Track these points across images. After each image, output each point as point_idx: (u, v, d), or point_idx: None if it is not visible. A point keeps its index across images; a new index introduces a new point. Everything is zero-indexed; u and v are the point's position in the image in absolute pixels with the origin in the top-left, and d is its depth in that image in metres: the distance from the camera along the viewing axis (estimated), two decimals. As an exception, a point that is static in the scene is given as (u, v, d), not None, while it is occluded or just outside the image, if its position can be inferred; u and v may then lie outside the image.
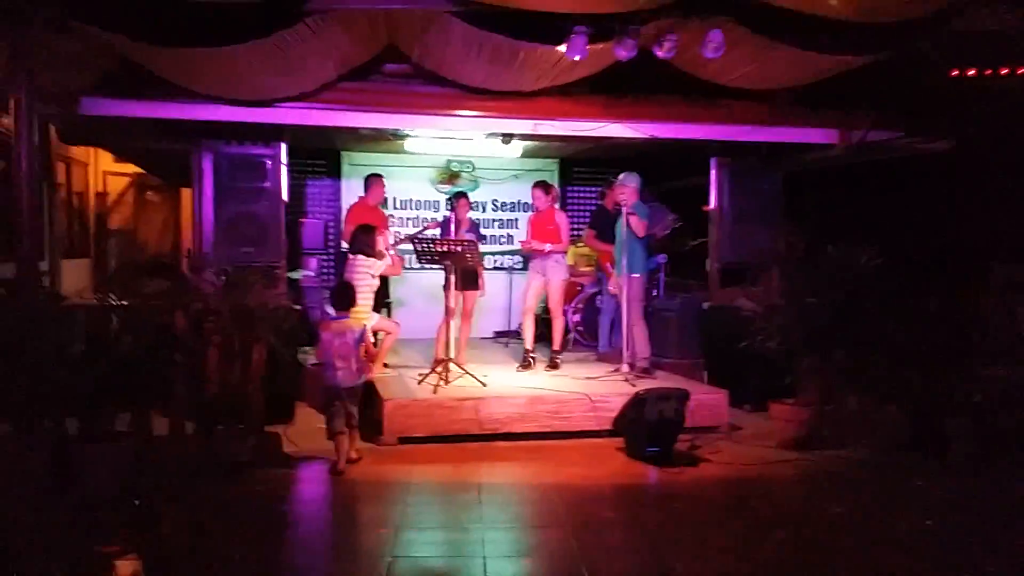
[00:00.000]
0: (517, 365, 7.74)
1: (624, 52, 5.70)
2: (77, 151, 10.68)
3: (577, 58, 5.79)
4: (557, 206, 7.95)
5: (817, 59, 6.16)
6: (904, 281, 6.40)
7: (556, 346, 7.88)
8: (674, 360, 8.10)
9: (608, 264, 8.48)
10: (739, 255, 8.17)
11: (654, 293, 9.24)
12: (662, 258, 9.22)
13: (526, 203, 10.48)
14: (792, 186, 8.44)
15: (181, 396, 5.53)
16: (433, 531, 4.61)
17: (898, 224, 7.38)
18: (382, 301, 8.55)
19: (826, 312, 6.37)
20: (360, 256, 6.94)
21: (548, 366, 7.74)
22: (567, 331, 9.41)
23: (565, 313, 9.38)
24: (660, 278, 9.37)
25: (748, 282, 8.07)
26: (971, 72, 6.14)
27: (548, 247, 7.66)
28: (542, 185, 7.87)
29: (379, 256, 7.01)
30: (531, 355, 7.74)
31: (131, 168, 12.30)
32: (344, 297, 6.02)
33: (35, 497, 4.71)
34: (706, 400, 6.76)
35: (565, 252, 7.90)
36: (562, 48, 5.75)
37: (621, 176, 7.44)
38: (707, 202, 8.55)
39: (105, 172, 12.21)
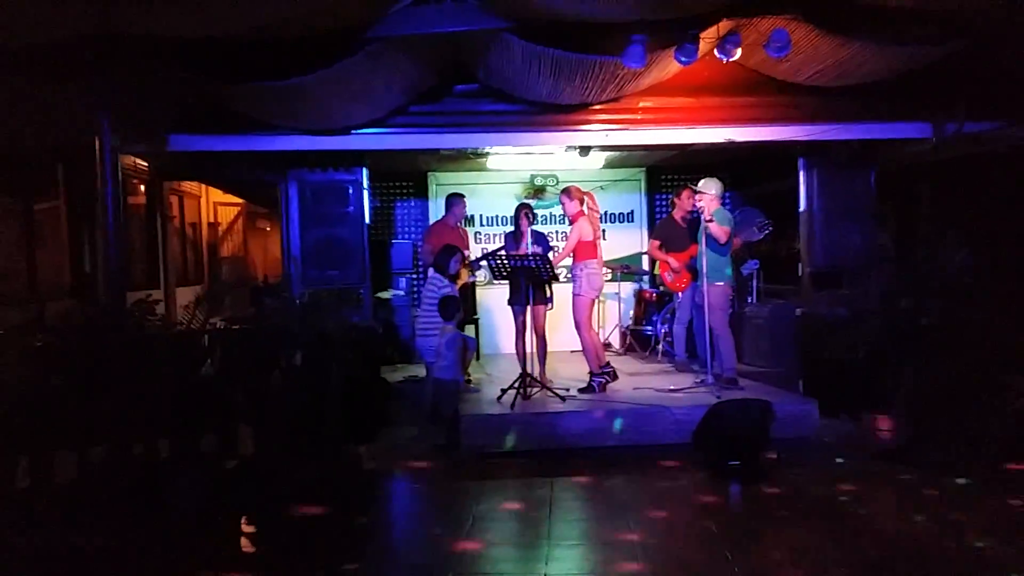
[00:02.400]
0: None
1: (684, 58, 5.60)
2: (190, 185, 11.37)
3: (636, 67, 5.71)
4: (585, 209, 7.34)
5: (894, 52, 5.87)
6: (1008, 282, 5.98)
7: (592, 366, 7.21)
8: (766, 369, 7.85)
9: (665, 274, 8.31)
10: (832, 258, 7.83)
11: (748, 300, 8.99)
12: (754, 264, 8.97)
13: (613, 214, 10.43)
14: (889, 184, 8.04)
15: (264, 417, 5.73)
16: (498, 548, 4.60)
17: (1000, 221, 6.90)
18: (470, 316, 8.67)
19: (922, 316, 6.03)
20: (436, 274, 7.09)
21: (581, 389, 7.15)
22: (656, 341, 9.29)
23: (654, 323, 9.31)
24: (753, 284, 9.11)
25: (842, 286, 7.73)
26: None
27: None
28: (565, 191, 7.30)
29: (452, 277, 7.14)
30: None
31: (240, 199, 12.97)
32: (445, 308, 6.87)
33: (128, 517, 5.02)
34: (795, 410, 6.51)
35: (585, 262, 7.13)
36: (620, 59, 5.69)
37: (700, 183, 7.26)
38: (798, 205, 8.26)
39: (216, 203, 12.93)
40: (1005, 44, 5.90)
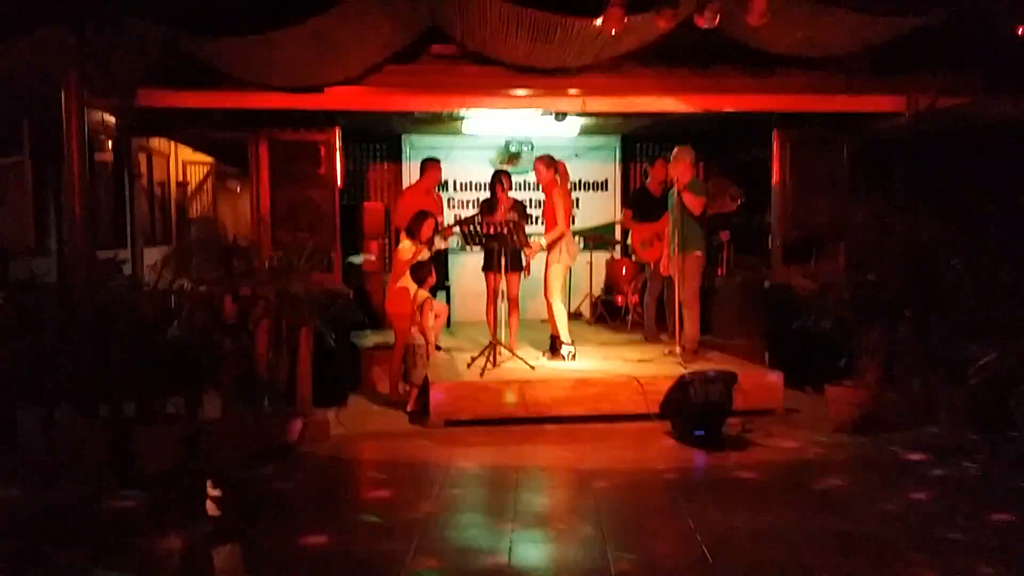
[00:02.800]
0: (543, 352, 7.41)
1: (664, 22, 5.55)
2: (158, 143, 11.14)
3: (614, 31, 5.65)
4: (558, 179, 7.17)
5: (871, 22, 5.86)
6: (974, 253, 6.05)
7: (554, 330, 7.28)
8: (733, 341, 7.92)
9: (638, 244, 8.32)
10: (802, 231, 7.87)
11: (718, 271, 9.03)
12: (725, 235, 9.00)
13: (587, 182, 10.40)
14: (860, 159, 8.07)
15: (231, 380, 5.69)
16: (466, 515, 4.62)
17: (970, 195, 6.95)
18: (440, 283, 8.62)
19: (888, 288, 6.09)
20: (409, 239, 7.04)
21: (548, 351, 7.30)
22: (626, 312, 9.33)
23: (625, 294, 9.34)
24: (723, 256, 9.15)
25: (812, 259, 7.78)
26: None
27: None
28: (542, 158, 7.22)
29: (425, 243, 7.10)
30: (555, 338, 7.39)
31: (209, 158, 12.75)
32: (416, 273, 6.89)
33: (97, 477, 4.98)
34: (760, 382, 6.58)
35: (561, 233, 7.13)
36: (598, 21, 5.62)
37: (674, 151, 7.24)
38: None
39: (185, 162, 12.70)
40: (982, 18, 5.91)
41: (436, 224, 7.40)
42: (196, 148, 11.71)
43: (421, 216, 7.21)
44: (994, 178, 7.17)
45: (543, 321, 9.49)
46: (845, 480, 5.15)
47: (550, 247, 7.14)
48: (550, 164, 7.21)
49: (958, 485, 4.99)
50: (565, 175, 7.30)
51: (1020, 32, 5.77)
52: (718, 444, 5.73)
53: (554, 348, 7.33)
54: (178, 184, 12.55)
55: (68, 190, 5.30)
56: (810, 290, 6.40)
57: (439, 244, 7.92)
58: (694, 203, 7.05)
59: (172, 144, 11.64)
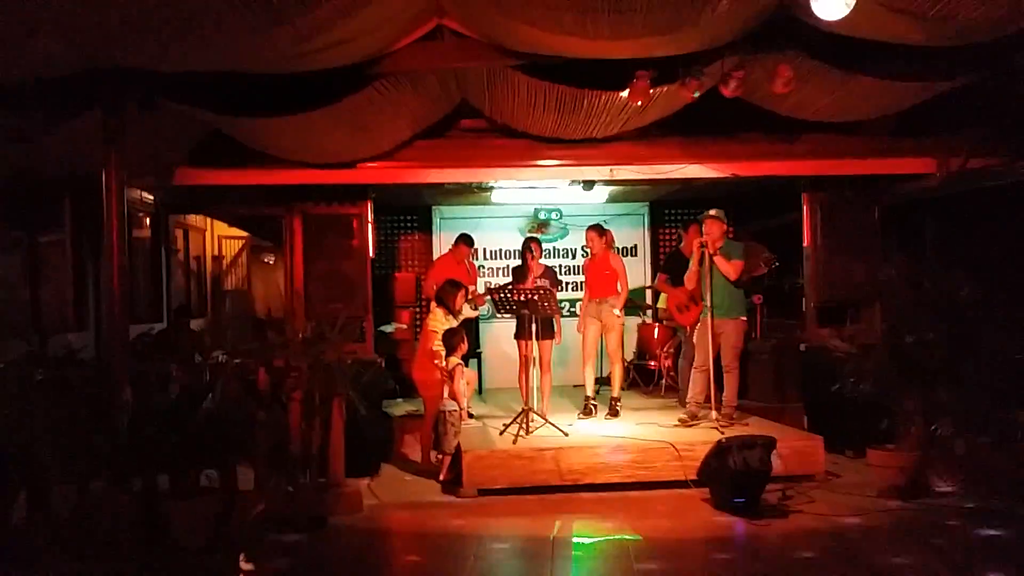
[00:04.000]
0: (578, 412, 7.66)
1: (689, 93, 5.62)
2: (195, 218, 11.41)
3: (640, 103, 5.74)
4: (613, 250, 7.94)
5: (900, 87, 5.89)
6: (1011, 314, 5.95)
7: (616, 392, 7.67)
8: (771, 404, 7.80)
9: (674, 308, 8.30)
10: (836, 293, 7.81)
11: (753, 334, 8.96)
12: (758, 299, 8.95)
13: (617, 247, 10.35)
14: (891, 219, 8.04)
15: (264, 452, 5.69)
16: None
17: (1005, 255, 6.88)
18: (472, 350, 8.64)
19: (927, 349, 5.98)
20: (440, 308, 7.10)
21: (608, 413, 7.57)
22: (659, 377, 9.24)
23: (658, 358, 9.27)
24: (757, 319, 9.09)
25: (846, 321, 7.69)
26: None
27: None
28: (596, 228, 7.77)
29: (456, 313, 7.15)
30: (592, 402, 7.67)
31: (244, 232, 13.02)
32: (447, 341, 6.99)
33: (129, 551, 4.97)
34: (800, 447, 6.44)
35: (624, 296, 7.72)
36: (624, 94, 5.72)
37: (706, 216, 7.25)
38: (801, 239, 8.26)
39: (220, 236, 12.97)
40: (1011, 79, 5.93)
41: (466, 292, 7.46)
42: (231, 223, 11.97)
43: (453, 286, 7.28)
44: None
45: (576, 387, 9.49)
46: (887, 546, 4.98)
47: (610, 306, 7.55)
48: (602, 233, 7.66)
49: (1002, 551, 4.81)
50: (611, 243, 7.78)
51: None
52: (758, 512, 5.59)
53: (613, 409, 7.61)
54: (214, 258, 12.80)
55: (107, 267, 5.40)
56: (847, 352, 6.30)
57: (470, 312, 7.97)
58: (729, 268, 7.03)
59: (208, 219, 11.91)
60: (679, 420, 7.10)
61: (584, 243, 10.13)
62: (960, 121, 6.87)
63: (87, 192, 7.46)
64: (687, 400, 7.29)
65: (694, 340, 7.46)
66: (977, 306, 5.95)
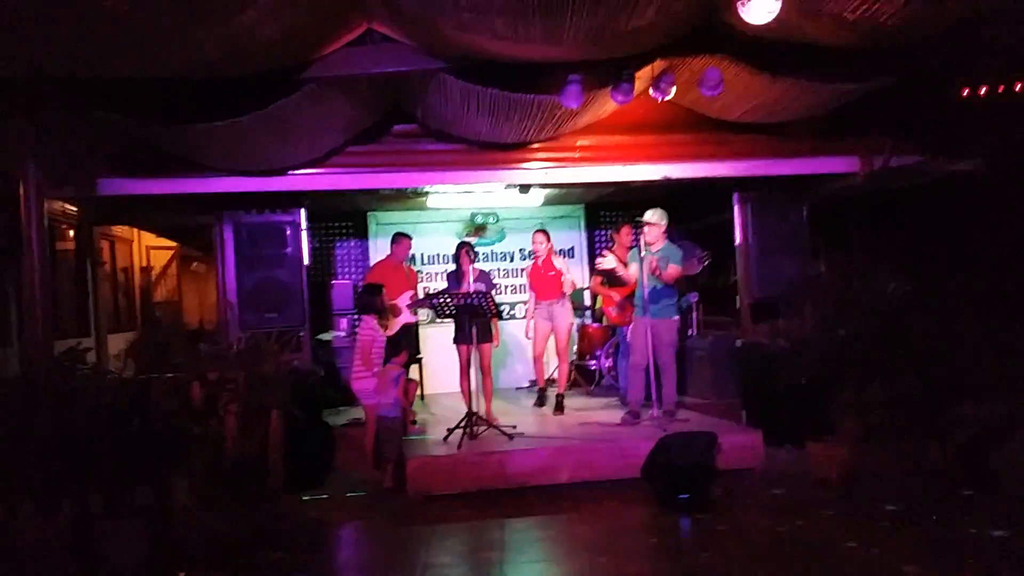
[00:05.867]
0: (533, 402, 8.11)
1: (620, 97, 5.68)
2: (121, 229, 11.06)
3: (573, 106, 5.77)
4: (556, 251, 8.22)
5: (825, 89, 6.05)
6: (940, 308, 6.14)
7: (561, 388, 8.06)
8: (709, 400, 7.93)
9: (609, 309, 8.43)
10: (769, 289, 7.97)
11: (689, 332, 9.09)
12: (694, 296, 9.09)
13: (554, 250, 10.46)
14: (819, 217, 8.25)
15: (200, 467, 5.55)
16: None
17: (931, 250, 7.11)
18: (413, 356, 8.57)
19: (859, 344, 6.15)
20: (367, 316, 7.03)
21: (555, 410, 7.87)
22: (600, 376, 9.32)
23: (598, 357, 9.34)
24: (693, 317, 9.23)
25: (779, 317, 7.86)
26: (983, 90, 5.93)
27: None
28: (543, 231, 8.02)
29: (383, 316, 7.08)
30: (545, 392, 8.02)
31: (173, 242, 12.69)
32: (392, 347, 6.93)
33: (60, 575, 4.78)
34: (740, 441, 6.55)
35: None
36: (557, 97, 5.74)
37: (647, 214, 7.31)
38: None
39: (148, 247, 12.61)
40: (930, 82, 6.14)
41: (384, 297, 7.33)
42: (160, 233, 11.65)
43: (368, 291, 7.20)
44: (949, 232, 7.35)
45: (517, 389, 9.50)
46: (828, 536, 5.10)
47: (560, 306, 7.88)
48: (548, 235, 7.96)
49: (939, 539, 4.96)
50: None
51: (964, 94, 6.00)
52: (703, 507, 5.66)
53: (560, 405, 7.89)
54: (142, 269, 12.44)
55: (28, 282, 5.21)
56: (782, 348, 6.43)
57: (409, 318, 7.91)
58: (674, 274, 7.14)
59: (135, 230, 11.57)
60: (622, 419, 7.16)
61: (521, 246, 10.27)
62: (883, 121, 7.09)
63: (3, 203, 7.21)
64: (628, 399, 7.37)
65: (629, 339, 7.55)
66: (904, 300, 6.13)
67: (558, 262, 7.91)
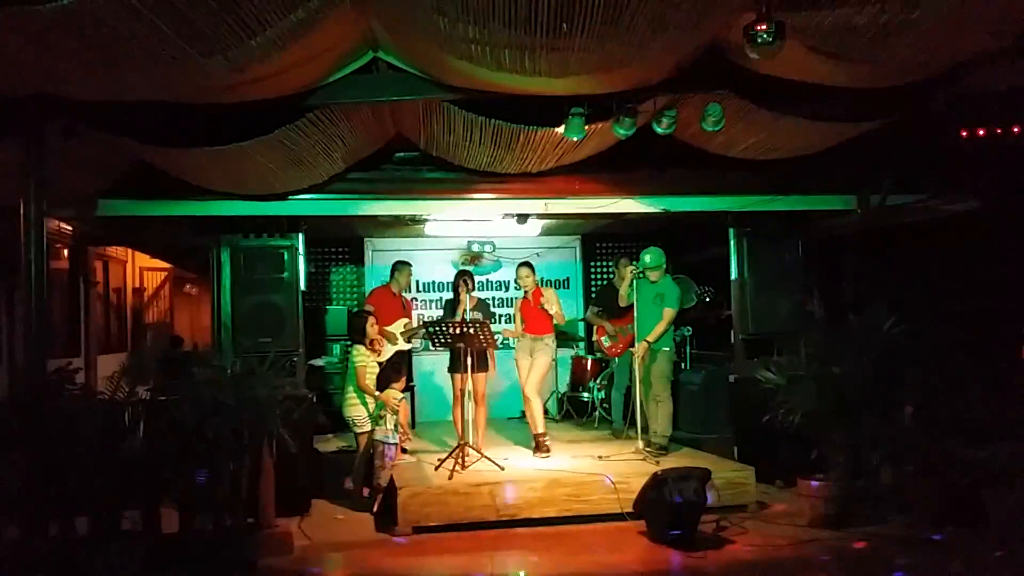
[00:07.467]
0: (532, 449, 7.47)
1: (623, 130, 5.71)
2: (115, 250, 11.02)
3: (576, 139, 5.81)
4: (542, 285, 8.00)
5: (825, 127, 6.11)
6: (934, 346, 6.17)
7: (536, 429, 7.40)
8: (701, 435, 7.91)
9: (602, 340, 8.44)
10: (763, 325, 7.98)
11: (682, 366, 9.09)
12: (687, 330, 9.11)
13: (549, 281, 10.49)
14: (815, 254, 8.28)
15: (190, 491, 5.48)
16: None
17: (927, 289, 7.16)
18: (406, 384, 8.53)
19: (852, 381, 6.15)
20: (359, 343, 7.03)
21: (535, 451, 7.35)
22: (592, 408, 9.29)
23: (591, 390, 9.31)
24: (686, 351, 9.24)
25: (774, 352, 7.86)
26: (981, 132, 6.00)
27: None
28: (528, 264, 7.81)
29: (371, 343, 7.10)
30: (543, 438, 7.46)
31: (167, 264, 12.64)
32: (383, 375, 7.00)
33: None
34: (732, 478, 6.53)
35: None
36: (560, 129, 5.78)
37: (646, 260, 7.44)
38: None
39: (142, 268, 12.56)
40: (929, 122, 6.21)
41: (375, 321, 7.32)
42: (154, 255, 11.62)
43: (357, 317, 7.21)
44: (945, 271, 7.40)
45: (509, 419, 9.45)
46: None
47: (544, 344, 7.54)
48: (533, 268, 7.74)
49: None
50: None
51: (964, 135, 6.07)
52: (694, 543, 5.63)
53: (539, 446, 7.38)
54: (135, 290, 12.38)
55: (24, 302, 5.16)
56: (776, 384, 6.42)
57: (404, 345, 7.88)
58: (670, 317, 7.23)
59: (129, 251, 11.53)
60: (635, 449, 7.10)
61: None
62: (881, 159, 7.15)
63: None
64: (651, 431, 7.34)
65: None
66: (900, 339, 6.15)
67: (547, 294, 7.59)
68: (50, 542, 5.00)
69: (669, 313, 7.29)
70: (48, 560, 4.90)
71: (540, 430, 7.40)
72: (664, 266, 7.48)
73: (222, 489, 5.55)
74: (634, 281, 7.44)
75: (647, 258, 7.42)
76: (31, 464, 5.01)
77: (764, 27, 4.28)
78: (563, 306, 7.85)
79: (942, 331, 6.27)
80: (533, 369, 7.49)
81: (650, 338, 7.23)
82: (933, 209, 7.48)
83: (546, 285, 10.28)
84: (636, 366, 7.30)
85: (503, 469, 6.61)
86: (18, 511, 5.02)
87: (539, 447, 7.35)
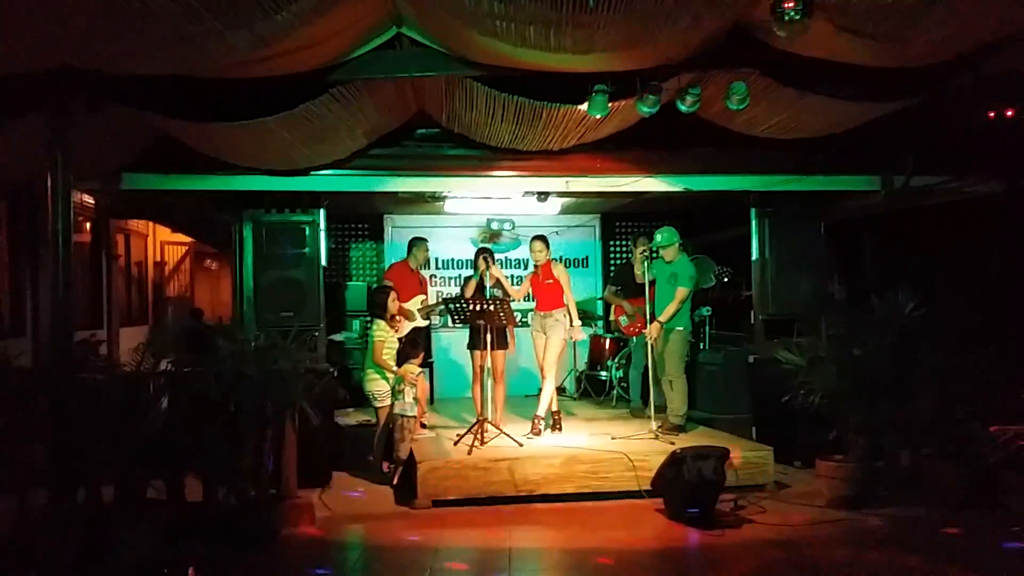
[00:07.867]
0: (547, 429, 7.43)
1: (647, 108, 5.67)
2: (136, 223, 11.13)
3: (599, 116, 5.78)
4: (554, 259, 7.76)
5: (850, 106, 6.04)
6: (955, 330, 6.14)
7: (540, 410, 7.29)
8: (720, 415, 7.92)
9: (620, 319, 8.45)
10: (783, 306, 7.95)
11: (700, 346, 9.09)
12: (706, 311, 9.10)
13: (568, 259, 10.48)
14: (836, 234, 8.23)
15: (214, 462, 5.56)
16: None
17: (948, 272, 7.11)
18: (425, 360, 8.58)
19: (873, 363, 6.13)
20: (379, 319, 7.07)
21: (550, 428, 7.40)
22: (610, 386, 9.31)
23: (608, 369, 9.33)
24: (705, 331, 9.23)
25: (794, 333, 7.84)
26: (1009, 113, 5.92)
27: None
28: (542, 238, 7.60)
29: (392, 318, 7.14)
30: (557, 415, 7.52)
31: (188, 238, 12.74)
32: (401, 352, 7.04)
33: (71, 566, 4.79)
34: (750, 457, 6.54)
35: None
36: (583, 107, 5.75)
37: (658, 238, 7.43)
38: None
39: (163, 242, 12.69)
40: (956, 102, 6.13)
41: (397, 296, 7.34)
42: (175, 228, 11.71)
43: (379, 292, 7.24)
44: (967, 253, 7.34)
45: (527, 396, 9.48)
46: (837, 555, 5.08)
47: (555, 320, 7.41)
48: (548, 243, 7.57)
49: (948, 558, 4.94)
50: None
51: (991, 116, 5.99)
52: (712, 522, 5.66)
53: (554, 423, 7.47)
54: (156, 264, 12.51)
55: (51, 273, 5.22)
56: (796, 365, 6.41)
57: (421, 322, 7.93)
58: (682, 297, 7.24)
59: (150, 224, 11.64)
60: (649, 431, 7.09)
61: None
62: (906, 140, 7.07)
63: (23, 194, 7.25)
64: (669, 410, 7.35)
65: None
66: (921, 321, 6.12)
67: (557, 270, 7.47)
68: (76, 509, 5.08)
69: (681, 292, 7.25)
70: (73, 526, 4.98)
71: (540, 413, 7.30)
72: (677, 244, 7.44)
73: (245, 460, 5.62)
74: (647, 261, 7.44)
75: (659, 237, 7.41)
76: (56, 434, 5.10)
77: (792, 4, 4.26)
78: (582, 284, 7.82)
79: (963, 314, 6.24)
80: (548, 348, 7.42)
81: (662, 318, 7.20)
82: (957, 191, 7.41)
83: (562, 263, 10.31)
84: (650, 346, 7.31)
85: (522, 445, 6.66)
86: (45, 479, 5.11)
87: (554, 424, 7.45)
